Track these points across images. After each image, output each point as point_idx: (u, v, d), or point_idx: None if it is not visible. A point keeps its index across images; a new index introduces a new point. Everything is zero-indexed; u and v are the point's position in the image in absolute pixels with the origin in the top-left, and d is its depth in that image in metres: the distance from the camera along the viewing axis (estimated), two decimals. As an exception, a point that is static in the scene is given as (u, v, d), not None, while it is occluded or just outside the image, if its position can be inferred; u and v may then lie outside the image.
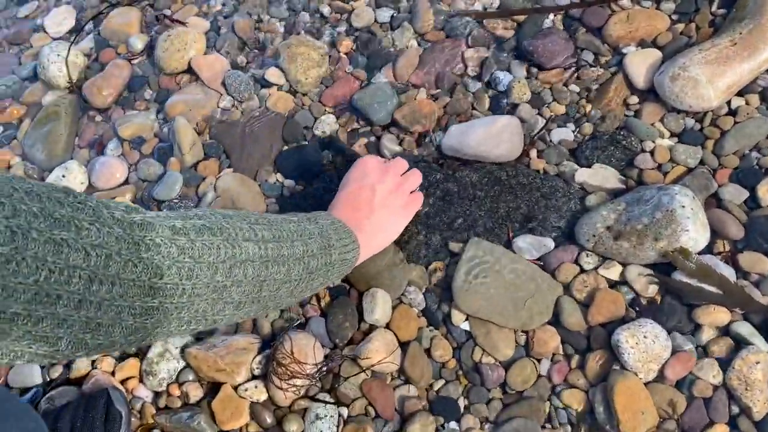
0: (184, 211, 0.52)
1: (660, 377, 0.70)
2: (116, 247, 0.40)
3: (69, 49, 1.05)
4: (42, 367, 0.81)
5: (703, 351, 0.71)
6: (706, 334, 0.71)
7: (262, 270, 0.54)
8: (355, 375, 0.75)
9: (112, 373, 0.79)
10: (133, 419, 0.76)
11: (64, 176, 0.94)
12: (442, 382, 0.75)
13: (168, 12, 1.08)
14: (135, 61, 1.05)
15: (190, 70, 1.01)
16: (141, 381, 0.79)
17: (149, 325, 0.45)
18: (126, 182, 0.94)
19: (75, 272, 0.37)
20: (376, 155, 0.81)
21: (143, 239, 0.43)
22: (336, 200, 0.76)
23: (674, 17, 0.90)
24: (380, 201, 0.75)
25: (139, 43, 1.06)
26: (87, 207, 0.40)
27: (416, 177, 0.81)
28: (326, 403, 0.74)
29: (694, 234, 0.73)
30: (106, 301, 0.40)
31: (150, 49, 1.06)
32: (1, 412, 0.55)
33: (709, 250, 0.75)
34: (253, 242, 0.54)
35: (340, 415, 0.74)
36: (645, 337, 0.70)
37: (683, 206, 0.73)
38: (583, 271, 0.77)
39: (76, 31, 1.11)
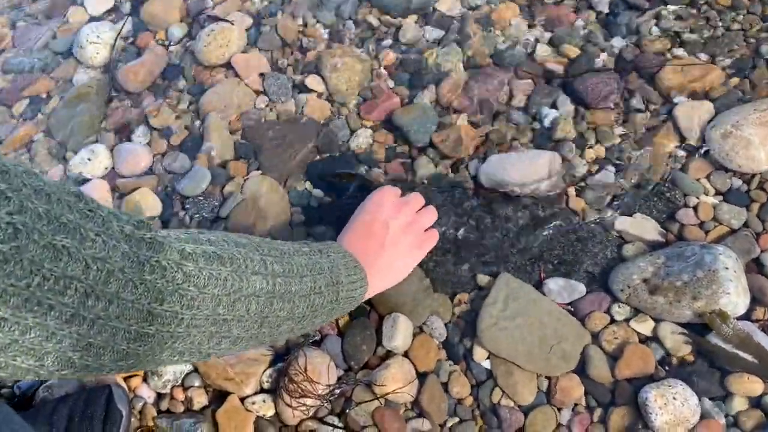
0: (198, 233, 0.50)
1: (686, 443, 0.68)
2: (120, 264, 0.38)
3: (117, 36, 1.03)
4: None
5: (733, 421, 0.68)
6: (737, 404, 0.69)
7: (266, 306, 0.51)
8: (368, 402, 0.73)
9: (116, 369, 0.77)
10: (132, 419, 0.73)
11: (89, 159, 0.91)
12: (456, 419, 0.72)
13: (211, 10, 1.06)
14: (172, 49, 1.03)
15: (228, 65, 0.99)
16: (145, 380, 0.76)
17: (141, 353, 0.42)
18: (151, 172, 0.92)
19: (71, 283, 0.35)
20: (395, 188, 0.78)
21: (149, 260, 0.41)
22: (348, 229, 0.74)
23: (730, 72, 0.88)
24: (392, 238, 0.72)
25: (179, 32, 1.04)
26: (97, 216, 0.38)
27: (431, 215, 0.78)
28: (335, 427, 0.72)
29: (734, 297, 0.70)
30: (100, 320, 0.37)
31: (189, 39, 1.04)
32: None
33: (747, 316, 0.72)
34: (262, 276, 0.51)
35: (348, 441, 0.71)
36: (674, 398, 0.68)
37: (726, 267, 0.71)
38: (613, 321, 0.74)
39: (121, 16, 1.09)
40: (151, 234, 0.43)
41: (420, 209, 0.78)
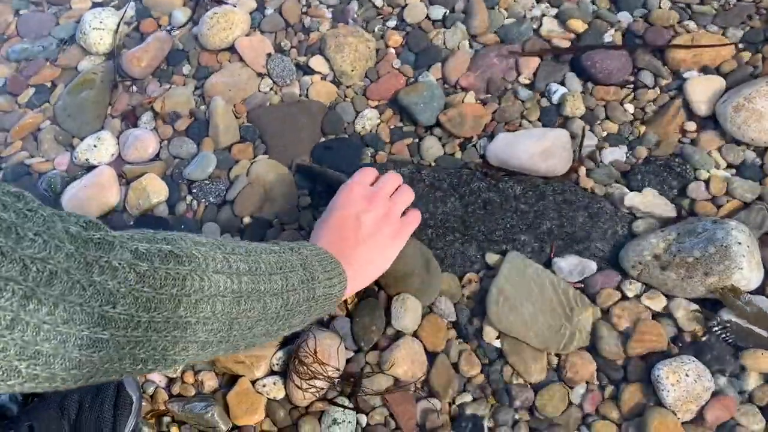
0: (153, 233, 0.47)
1: (699, 419, 0.67)
2: (64, 265, 0.36)
3: (120, 21, 1.02)
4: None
5: (748, 397, 0.68)
6: (752, 380, 0.68)
7: (233, 306, 0.49)
8: (379, 384, 0.72)
9: (126, 353, 0.77)
10: (144, 403, 0.73)
11: (95, 146, 0.91)
12: (468, 398, 0.72)
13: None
14: (175, 33, 1.03)
15: (232, 50, 0.98)
16: (155, 364, 0.76)
17: (96, 360, 0.39)
18: (157, 157, 0.91)
19: (7, 285, 0.32)
20: (366, 173, 0.76)
21: (98, 260, 0.38)
22: (319, 229, 0.71)
23: (741, 45, 0.87)
24: (367, 232, 0.70)
25: (182, 16, 1.04)
26: (37, 216, 0.35)
27: (406, 195, 0.76)
28: (345, 408, 0.71)
29: (747, 273, 0.69)
30: (46, 325, 0.34)
31: (193, 23, 1.03)
32: None
33: (760, 291, 0.71)
34: (225, 275, 0.48)
35: (358, 422, 0.71)
36: (687, 375, 0.67)
37: (739, 243, 0.70)
38: (625, 298, 0.74)
39: (124, 2, 1.08)
40: (100, 234, 0.40)
41: (394, 192, 0.75)
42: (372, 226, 0.70)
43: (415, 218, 0.76)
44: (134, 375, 0.45)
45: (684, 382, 0.67)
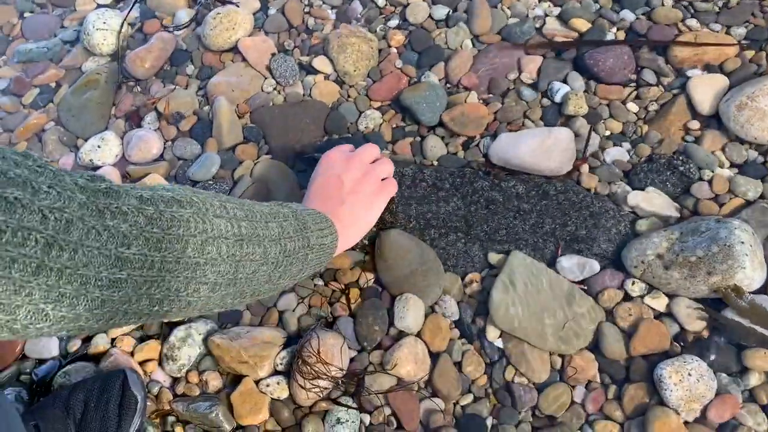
0: (152, 184, 0.49)
1: (701, 418, 0.67)
2: (78, 213, 0.38)
3: (123, 21, 1.03)
4: (60, 340, 0.79)
5: (750, 396, 0.68)
6: (754, 379, 0.68)
7: (236, 249, 0.51)
8: (381, 383, 0.73)
9: (131, 353, 0.77)
10: (148, 403, 0.74)
11: (99, 146, 0.91)
12: (470, 398, 0.72)
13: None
14: (179, 33, 1.03)
15: (235, 50, 0.98)
16: (160, 364, 0.77)
17: (116, 299, 0.41)
18: (161, 158, 0.92)
19: (30, 235, 0.34)
20: (345, 145, 0.80)
21: (108, 206, 0.41)
22: (305, 195, 0.74)
23: (744, 43, 0.86)
24: (349, 189, 0.73)
25: (185, 16, 1.04)
26: (47, 171, 0.38)
27: (386, 165, 0.78)
28: (348, 407, 0.72)
29: (750, 272, 0.69)
30: (68, 269, 0.37)
31: (196, 23, 1.03)
32: None
33: (763, 290, 0.71)
34: (225, 219, 0.51)
35: (361, 421, 0.72)
36: (689, 374, 0.67)
37: (742, 242, 0.69)
38: (628, 298, 0.74)
39: (128, 2, 1.09)
40: (106, 184, 0.42)
41: (375, 161, 0.78)
42: (353, 184, 0.74)
43: (393, 184, 0.79)
44: (153, 318, 0.47)
45: (687, 382, 0.67)
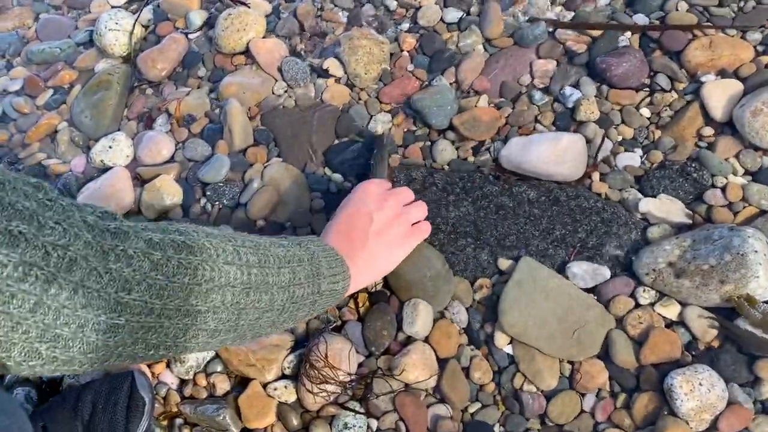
0: (166, 224, 0.48)
1: (712, 429, 0.66)
2: (83, 253, 0.37)
3: (135, 22, 1.03)
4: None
5: (762, 406, 0.67)
6: (766, 390, 0.67)
7: (242, 297, 0.50)
8: (389, 388, 0.72)
9: (140, 355, 0.77)
10: (156, 405, 0.74)
11: (110, 147, 0.92)
12: (478, 405, 0.72)
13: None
14: (192, 37, 1.03)
15: (247, 52, 0.99)
16: (168, 366, 0.77)
17: (112, 344, 0.41)
18: (172, 160, 0.92)
19: (31, 270, 0.34)
20: (383, 181, 0.77)
21: (114, 249, 0.40)
22: (331, 223, 0.71)
23: (759, 48, 0.85)
24: (376, 230, 0.71)
25: (198, 19, 1.04)
26: (56, 205, 0.37)
27: (420, 209, 0.77)
28: (356, 412, 0.72)
29: (764, 281, 0.68)
30: (66, 309, 0.36)
31: (208, 26, 1.04)
32: None
33: (777, 300, 0.70)
34: (236, 266, 0.50)
35: (369, 427, 0.71)
36: (701, 384, 0.66)
37: (756, 251, 0.69)
38: (638, 306, 0.73)
39: (141, 4, 1.09)
40: (116, 224, 0.42)
41: (409, 204, 0.76)
42: (382, 225, 0.71)
43: (426, 228, 0.77)
44: (146, 360, 0.46)
45: (698, 392, 0.66)
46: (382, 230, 0.71)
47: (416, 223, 0.76)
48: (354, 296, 0.78)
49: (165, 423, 0.74)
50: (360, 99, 0.93)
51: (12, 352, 0.35)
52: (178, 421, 0.74)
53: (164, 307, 0.43)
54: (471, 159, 0.85)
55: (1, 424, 0.44)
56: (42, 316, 0.35)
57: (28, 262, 0.34)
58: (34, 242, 0.34)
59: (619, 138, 0.83)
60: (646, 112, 0.84)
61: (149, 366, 0.77)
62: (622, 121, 0.84)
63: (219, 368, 0.76)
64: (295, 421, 0.72)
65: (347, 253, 0.66)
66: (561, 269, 0.76)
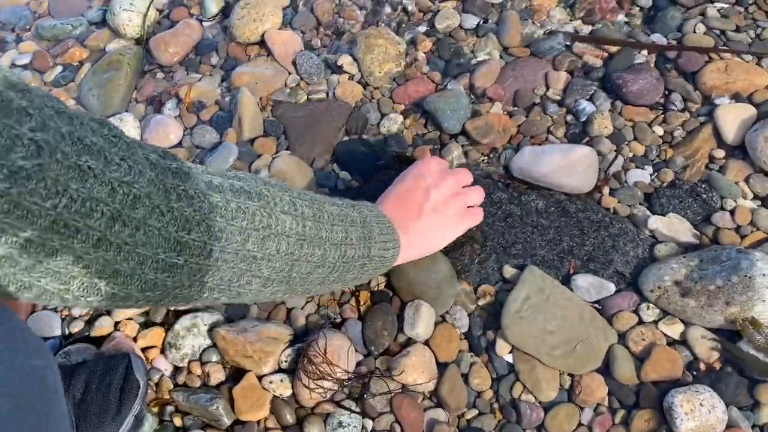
0: (226, 170, 0.48)
1: (709, 450, 0.66)
2: (146, 190, 0.37)
3: (150, 4, 1.02)
4: (62, 319, 0.78)
5: (760, 431, 0.66)
6: (766, 414, 0.67)
7: (296, 248, 0.50)
8: (387, 389, 0.71)
9: (134, 339, 0.76)
10: (148, 391, 0.73)
11: (118, 128, 0.91)
12: (475, 412, 0.71)
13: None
14: (206, 25, 1.03)
15: (262, 43, 0.98)
16: (162, 352, 0.76)
17: (170, 284, 0.41)
18: (179, 145, 0.91)
19: (98, 206, 0.34)
20: (443, 160, 0.77)
21: (176, 188, 0.40)
22: (386, 194, 0.71)
23: (775, 75, 0.86)
24: (432, 206, 0.70)
25: (214, 6, 1.03)
26: (121, 142, 0.37)
27: (478, 193, 0.76)
28: (351, 411, 0.71)
29: (770, 306, 0.68)
30: (128, 246, 0.36)
31: (224, 14, 1.03)
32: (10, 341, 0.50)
33: (781, 325, 0.70)
34: (291, 216, 0.50)
35: (363, 426, 0.70)
36: (701, 405, 0.66)
37: (764, 274, 0.68)
38: (641, 322, 0.73)
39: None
40: (177, 164, 0.42)
41: (467, 186, 0.75)
42: (438, 202, 0.71)
43: (480, 213, 0.76)
44: (201, 302, 0.47)
45: (698, 412, 0.65)
46: (438, 207, 0.70)
47: (471, 207, 0.75)
48: (356, 294, 0.77)
49: (156, 410, 0.73)
50: (372, 97, 0.92)
51: (71, 285, 0.35)
52: (169, 408, 0.73)
53: (222, 250, 0.43)
54: (482, 165, 0.85)
55: (39, 364, 0.44)
56: (104, 251, 0.35)
57: (96, 198, 0.34)
58: (102, 178, 0.34)
59: (631, 154, 0.83)
60: (659, 130, 0.84)
61: (143, 350, 0.75)
62: (635, 138, 0.84)
63: (215, 357, 0.75)
64: (289, 416, 0.71)
65: (399, 224, 0.66)
66: (566, 281, 0.76)
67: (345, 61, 0.94)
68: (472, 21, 0.96)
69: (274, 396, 0.72)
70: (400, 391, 0.71)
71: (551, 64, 0.91)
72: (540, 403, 0.71)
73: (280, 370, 0.74)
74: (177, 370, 0.75)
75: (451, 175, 0.73)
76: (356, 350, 0.74)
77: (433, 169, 0.73)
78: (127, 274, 0.37)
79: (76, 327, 0.78)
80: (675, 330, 0.72)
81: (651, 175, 0.82)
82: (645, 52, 0.90)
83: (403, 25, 0.98)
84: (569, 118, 0.87)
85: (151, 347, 0.76)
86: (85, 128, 0.34)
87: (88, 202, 0.33)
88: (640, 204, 0.80)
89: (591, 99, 0.88)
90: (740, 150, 0.81)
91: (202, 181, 0.43)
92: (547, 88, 0.90)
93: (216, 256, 0.43)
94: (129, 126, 0.91)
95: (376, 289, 0.77)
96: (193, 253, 0.41)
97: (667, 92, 0.87)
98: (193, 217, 0.41)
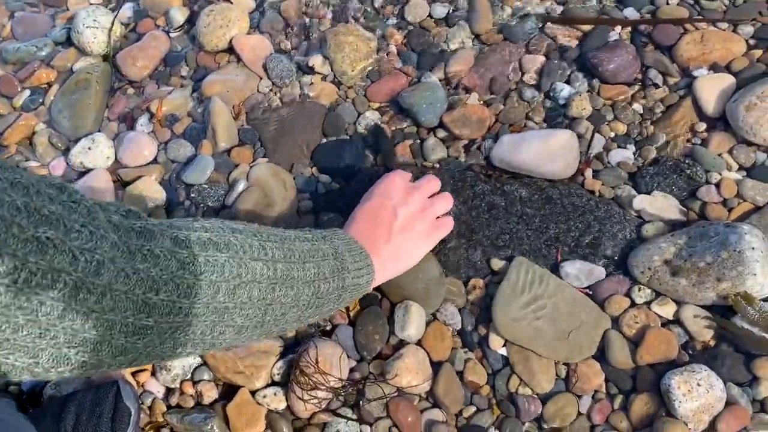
0: (191, 221, 0.48)
1: (710, 430, 0.65)
2: (110, 255, 0.36)
3: (114, 19, 1.00)
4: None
5: (760, 406, 0.66)
6: (765, 389, 0.66)
7: (268, 292, 0.50)
8: (382, 394, 0.71)
9: (124, 363, 0.75)
10: (142, 415, 0.72)
11: (90, 148, 0.89)
12: (473, 409, 0.70)
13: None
14: (174, 35, 1.01)
15: (231, 50, 0.96)
16: (153, 375, 0.75)
17: (141, 346, 0.40)
18: (155, 161, 0.90)
19: (59, 277, 0.33)
20: (406, 172, 0.75)
21: (140, 249, 0.39)
22: (354, 216, 0.70)
23: (751, 42, 0.84)
24: (400, 226, 0.69)
25: (179, 16, 1.01)
26: (81, 207, 0.36)
27: (445, 201, 0.75)
28: (348, 419, 0.70)
29: (761, 278, 0.67)
30: (95, 314, 0.36)
31: (190, 23, 1.01)
32: None
33: (774, 297, 0.69)
34: (262, 262, 0.49)
35: (361, 433, 0.70)
36: (699, 384, 0.65)
37: (753, 248, 0.68)
38: (634, 305, 0.72)
39: (119, 0, 1.06)
40: (141, 223, 0.41)
41: (433, 195, 0.75)
42: (406, 221, 0.70)
43: (449, 224, 0.75)
44: (174, 358, 0.47)
45: (696, 392, 0.65)
46: (406, 226, 0.70)
47: (440, 217, 0.75)
48: (344, 299, 0.76)
49: (151, 433, 0.72)
50: (347, 97, 0.91)
51: (40, 358, 0.35)
52: (165, 431, 0.72)
53: (192, 306, 0.43)
54: (462, 157, 0.84)
55: None
56: (70, 321, 0.34)
57: (57, 269, 0.33)
58: (62, 247, 0.33)
59: (612, 134, 0.82)
60: (638, 107, 0.83)
61: (134, 375, 0.74)
62: (615, 117, 0.83)
63: (206, 376, 0.74)
64: (285, 430, 0.70)
65: (371, 247, 0.66)
66: (555, 269, 0.75)
67: (316, 61, 0.92)
68: (441, 10, 0.95)
69: (269, 410, 0.71)
70: (396, 394, 0.71)
71: (525, 48, 0.90)
72: (537, 395, 0.70)
73: (273, 384, 0.73)
74: (169, 391, 0.74)
75: (416, 189, 0.73)
76: (348, 356, 0.73)
77: (399, 186, 0.72)
78: (96, 341, 0.37)
79: (65, 355, 0.77)
80: (668, 310, 0.71)
81: (634, 153, 0.81)
82: (619, 28, 0.89)
83: (373, 20, 0.96)
84: (548, 102, 0.86)
85: (142, 370, 0.75)
86: (43, 197, 0.33)
87: (49, 273, 0.32)
88: (625, 184, 0.79)
89: (568, 81, 0.86)
90: (722, 121, 0.80)
91: (168, 238, 0.42)
92: (523, 74, 0.88)
93: (186, 312, 0.42)
94: (102, 146, 0.90)
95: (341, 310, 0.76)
96: (162, 313, 0.40)
97: (644, 68, 0.85)
98: (161, 276, 0.40)
